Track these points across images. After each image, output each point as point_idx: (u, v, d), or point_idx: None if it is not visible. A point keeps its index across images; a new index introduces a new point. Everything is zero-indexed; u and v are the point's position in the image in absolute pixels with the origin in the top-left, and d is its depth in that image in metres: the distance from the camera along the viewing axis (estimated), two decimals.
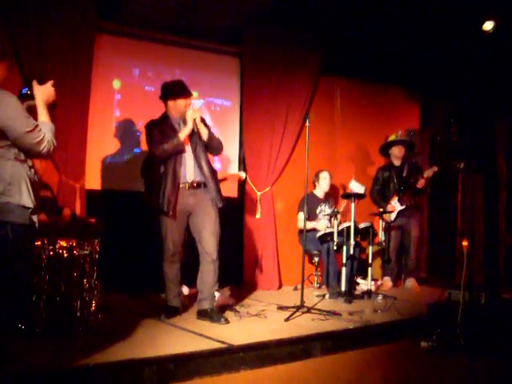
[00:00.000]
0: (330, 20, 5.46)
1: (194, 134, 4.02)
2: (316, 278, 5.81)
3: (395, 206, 5.88)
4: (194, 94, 4.86)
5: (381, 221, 5.62)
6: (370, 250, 5.39)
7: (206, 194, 4.01)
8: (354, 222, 5.16)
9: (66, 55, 4.71)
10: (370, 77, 6.46)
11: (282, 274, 5.85)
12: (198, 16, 5.25)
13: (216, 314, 3.91)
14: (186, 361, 3.01)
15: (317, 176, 5.78)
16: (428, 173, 5.85)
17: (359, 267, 5.50)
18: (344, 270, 5.06)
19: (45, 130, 2.44)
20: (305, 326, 3.90)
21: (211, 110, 5.79)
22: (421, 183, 5.83)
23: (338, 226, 5.17)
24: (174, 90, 4.05)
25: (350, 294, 5.04)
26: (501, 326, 3.76)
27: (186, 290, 4.90)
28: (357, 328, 3.91)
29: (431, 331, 3.80)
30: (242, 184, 5.93)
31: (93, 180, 5.11)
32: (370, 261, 5.33)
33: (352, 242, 5.10)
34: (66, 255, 3.44)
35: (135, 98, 5.37)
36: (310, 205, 5.28)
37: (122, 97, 5.34)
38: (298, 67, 5.94)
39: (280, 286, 5.79)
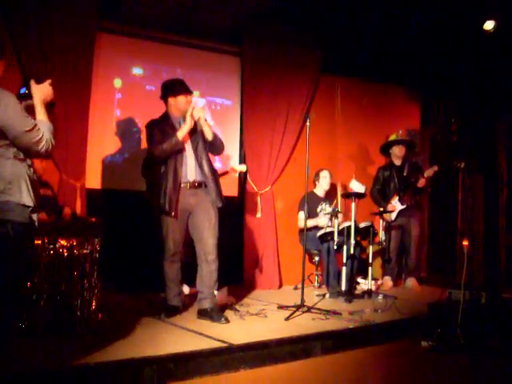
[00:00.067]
0: (330, 20, 5.46)
1: (195, 133, 4.02)
2: (316, 277, 5.81)
3: (396, 205, 5.88)
4: (195, 93, 4.86)
5: (381, 220, 5.62)
6: (371, 249, 5.40)
7: (207, 193, 4.01)
8: (355, 221, 5.16)
9: (67, 54, 4.70)
10: (371, 76, 6.46)
11: (282, 273, 5.85)
12: (199, 15, 5.25)
13: (216, 313, 3.91)
14: (186, 360, 3.01)
15: (317, 175, 5.79)
16: (428, 172, 5.85)
17: (359, 267, 5.50)
18: (344, 269, 5.06)
19: (43, 129, 2.44)
20: (305, 325, 3.90)
21: (211, 109, 5.78)
22: (421, 183, 5.83)
23: (338, 226, 5.17)
24: (175, 88, 4.05)
25: (351, 294, 5.04)
26: (501, 325, 3.76)
27: (186, 290, 4.90)
28: (357, 327, 3.91)
29: (431, 331, 3.80)
30: (242, 184, 5.94)
31: (93, 179, 5.11)
32: (370, 260, 5.33)
33: (352, 241, 5.10)
34: (66, 254, 3.44)
35: (136, 97, 5.37)
36: (310, 204, 5.28)
37: (122, 96, 5.34)
38: (299, 67, 5.94)
39: (280, 286, 5.79)
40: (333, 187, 6.00)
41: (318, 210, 5.68)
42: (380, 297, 5.05)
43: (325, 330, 3.77)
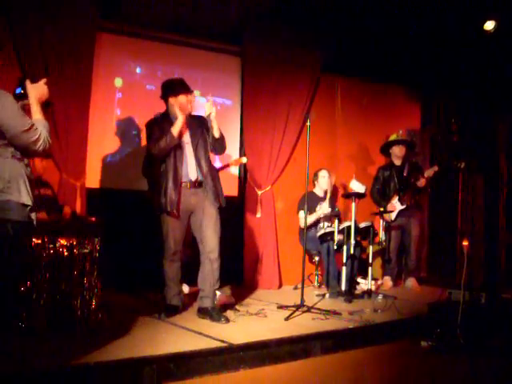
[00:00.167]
0: (330, 20, 5.46)
1: (195, 132, 4.03)
2: (316, 277, 5.81)
3: (396, 205, 5.88)
4: (196, 92, 4.86)
5: (381, 220, 5.62)
6: (371, 249, 5.40)
7: (207, 193, 4.01)
8: (355, 221, 5.16)
9: (67, 54, 4.70)
10: (371, 76, 6.46)
11: (282, 273, 5.85)
12: (199, 15, 5.25)
13: (216, 312, 3.91)
14: (185, 359, 3.01)
15: (316, 175, 5.79)
16: (428, 172, 5.85)
17: (359, 267, 5.50)
18: (344, 269, 5.06)
19: (40, 128, 2.44)
20: (305, 325, 3.90)
21: None
22: (421, 183, 5.83)
23: (338, 226, 5.17)
24: (175, 87, 4.04)
25: (350, 294, 5.04)
26: (501, 325, 3.76)
27: (186, 289, 4.90)
28: (357, 327, 3.91)
29: (431, 331, 3.80)
30: (242, 184, 5.94)
31: (93, 178, 5.11)
32: (370, 260, 5.33)
33: (352, 241, 5.10)
34: (66, 254, 3.44)
35: (136, 96, 5.37)
36: (309, 203, 5.27)
37: (122, 95, 5.34)
38: (299, 66, 5.94)
39: (280, 286, 5.79)
40: (335, 188, 6.01)
41: (317, 209, 5.67)
42: (380, 297, 5.04)
43: (325, 329, 3.77)
